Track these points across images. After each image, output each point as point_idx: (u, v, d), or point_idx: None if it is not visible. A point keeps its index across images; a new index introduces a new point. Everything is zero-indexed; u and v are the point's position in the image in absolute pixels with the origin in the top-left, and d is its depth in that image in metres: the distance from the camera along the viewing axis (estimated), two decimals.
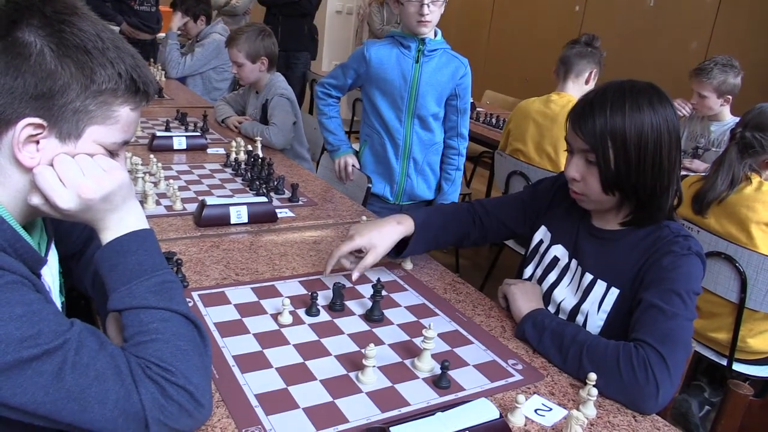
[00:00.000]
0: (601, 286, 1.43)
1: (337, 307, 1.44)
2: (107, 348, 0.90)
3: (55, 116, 0.91)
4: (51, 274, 1.06)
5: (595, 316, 1.43)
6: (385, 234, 1.55)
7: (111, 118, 0.96)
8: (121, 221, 1.00)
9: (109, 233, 1.00)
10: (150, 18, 5.31)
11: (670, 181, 1.37)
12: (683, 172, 3.32)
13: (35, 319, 0.84)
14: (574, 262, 1.51)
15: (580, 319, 1.45)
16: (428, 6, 2.23)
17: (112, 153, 1.00)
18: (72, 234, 1.27)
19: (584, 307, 1.45)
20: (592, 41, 3.00)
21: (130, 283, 0.97)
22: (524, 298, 1.47)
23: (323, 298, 1.47)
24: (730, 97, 3.37)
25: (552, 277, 1.55)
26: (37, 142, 0.92)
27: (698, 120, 3.58)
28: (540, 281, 1.57)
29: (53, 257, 1.10)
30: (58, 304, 1.08)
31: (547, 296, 1.53)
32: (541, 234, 1.61)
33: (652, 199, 1.37)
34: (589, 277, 1.45)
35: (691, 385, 2.49)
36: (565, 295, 1.51)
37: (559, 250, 1.55)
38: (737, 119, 3.38)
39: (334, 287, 1.45)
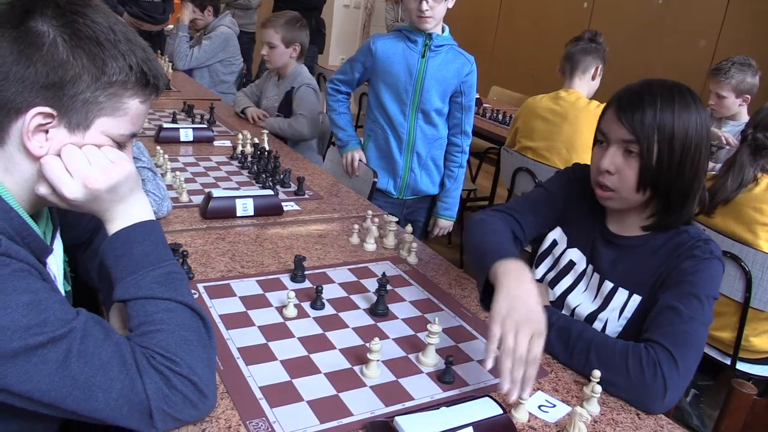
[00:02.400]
0: (622, 294, 1.41)
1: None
2: (112, 337, 0.90)
3: (65, 106, 0.91)
4: (56, 263, 1.07)
5: (615, 323, 1.41)
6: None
7: (120, 110, 0.96)
8: (127, 212, 1.01)
9: (115, 224, 1.00)
10: (154, 9, 5.30)
11: (700, 185, 1.35)
12: None
13: (41, 307, 0.84)
14: (590, 268, 1.49)
15: (597, 325, 1.43)
16: (426, 1, 2.23)
17: (120, 145, 1.00)
18: (79, 224, 1.27)
19: (603, 314, 1.43)
20: (595, 37, 2.99)
21: (136, 273, 0.97)
22: None
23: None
24: (749, 96, 3.34)
25: (567, 281, 1.53)
26: (47, 132, 0.92)
27: (715, 120, 3.56)
28: (553, 284, 1.55)
29: (58, 246, 1.10)
30: (63, 293, 1.09)
31: (560, 300, 1.51)
32: (556, 235, 1.58)
33: (683, 201, 1.35)
34: (609, 285, 1.43)
35: None
36: (580, 301, 1.48)
37: (575, 254, 1.52)
38: None
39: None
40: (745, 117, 3.43)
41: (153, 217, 1.04)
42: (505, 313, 1.14)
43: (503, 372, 1.09)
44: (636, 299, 1.39)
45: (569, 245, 1.54)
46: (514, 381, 1.09)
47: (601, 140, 1.41)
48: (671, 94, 1.32)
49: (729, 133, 3.39)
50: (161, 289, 0.97)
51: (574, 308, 1.49)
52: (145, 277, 0.97)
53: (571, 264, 1.53)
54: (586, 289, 1.49)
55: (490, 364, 1.12)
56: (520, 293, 1.17)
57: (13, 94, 0.89)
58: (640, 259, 1.39)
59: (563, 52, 3.08)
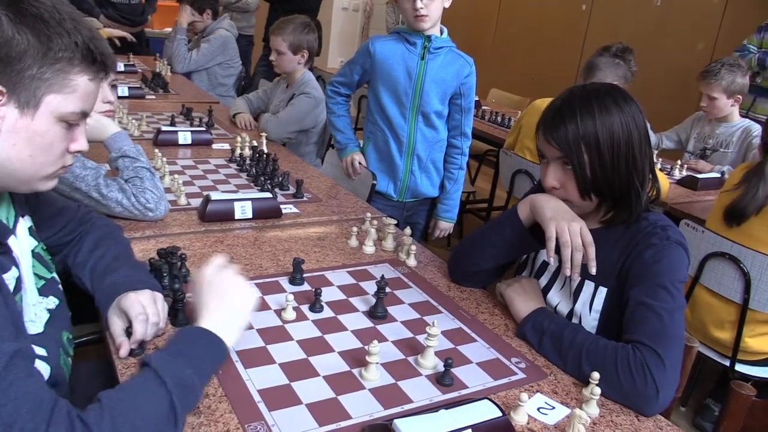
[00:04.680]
0: (589, 286, 1.44)
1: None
2: (38, 380, 0.85)
3: (12, 82, 0.93)
4: (20, 246, 1.07)
5: (588, 317, 1.43)
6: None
7: (68, 86, 0.98)
8: (223, 325, 1.12)
9: (208, 321, 1.11)
10: (130, 11, 5.24)
11: (644, 174, 1.38)
12: (689, 172, 3.33)
13: None
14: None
15: (575, 321, 1.45)
16: (420, 0, 2.23)
17: (71, 124, 1.01)
18: (56, 223, 1.30)
19: (577, 309, 1.45)
20: (624, 53, 2.92)
21: (180, 357, 1.02)
22: (521, 300, 1.47)
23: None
24: (740, 97, 3.35)
25: (543, 281, 1.55)
26: None
27: (706, 121, 3.57)
28: None
29: (23, 230, 1.11)
30: (31, 278, 1.10)
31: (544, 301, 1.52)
32: None
33: (628, 195, 1.37)
34: (576, 279, 1.45)
35: None
36: (559, 299, 1.51)
37: (550, 258, 1.54)
38: (745, 120, 3.38)
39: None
40: (737, 117, 3.45)
41: (233, 345, 1.15)
42: (552, 215, 1.37)
43: (565, 260, 1.32)
44: (603, 291, 1.42)
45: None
46: (574, 265, 1.32)
47: (542, 158, 1.45)
48: (589, 102, 1.35)
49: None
50: (176, 387, 0.96)
51: (555, 307, 1.51)
52: (179, 367, 1.00)
53: (545, 265, 1.55)
54: (562, 288, 1.51)
55: (553, 261, 1.41)
56: (555, 202, 1.41)
57: None
58: (602, 250, 1.38)
59: (588, 58, 3.03)
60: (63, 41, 0.95)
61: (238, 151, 2.54)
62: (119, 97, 3.33)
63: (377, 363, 1.20)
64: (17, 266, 1.03)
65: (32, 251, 1.13)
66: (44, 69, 0.95)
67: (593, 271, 1.33)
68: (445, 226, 2.61)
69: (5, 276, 0.97)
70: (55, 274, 1.19)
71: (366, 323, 1.40)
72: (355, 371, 1.21)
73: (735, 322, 2.29)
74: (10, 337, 0.86)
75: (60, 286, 1.20)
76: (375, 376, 1.19)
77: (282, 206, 1.99)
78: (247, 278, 1.21)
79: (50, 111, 0.97)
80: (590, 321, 1.43)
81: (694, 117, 3.70)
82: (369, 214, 1.90)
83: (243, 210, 1.89)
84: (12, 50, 0.92)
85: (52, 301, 1.13)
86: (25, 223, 1.12)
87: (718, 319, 2.34)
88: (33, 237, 1.15)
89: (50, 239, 1.28)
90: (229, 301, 1.16)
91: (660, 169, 3.33)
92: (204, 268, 1.20)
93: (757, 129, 3.33)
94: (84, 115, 1.03)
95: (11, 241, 1.03)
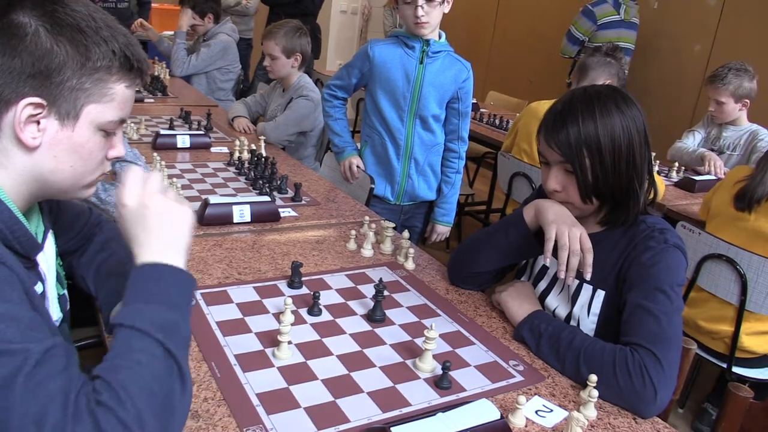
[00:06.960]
0: (587, 289, 1.44)
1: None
2: (70, 370, 0.82)
3: (53, 95, 0.93)
4: (47, 262, 1.07)
5: (586, 320, 1.44)
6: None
7: (107, 95, 0.98)
8: (170, 253, 0.96)
9: (147, 255, 0.95)
10: (117, 14, 5.19)
11: (644, 177, 1.39)
12: (687, 174, 3.34)
13: (6, 317, 0.80)
14: None
15: (572, 324, 1.45)
16: (422, 7, 2.23)
17: (109, 132, 1.02)
18: (71, 229, 1.28)
19: (575, 312, 1.46)
20: (614, 51, 2.95)
21: (146, 303, 0.90)
22: (517, 303, 1.47)
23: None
24: (747, 101, 3.35)
25: (542, 285, 1.55)
26: (38, 123, 0.94)
27: (716, 124, 3.57)
28: None
29: (50, 246, 1.11)
30: (54, 294, 1.09)
31: (540, 305, 1.53)
32: None
33: (627, 198, 1.38)
34: (575, 282, 1.46)
35: None
36: (557, 303, 1.51)
37: (546, 259, 1.55)
38: (753, 125, 3.38)
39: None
40: (745, 122, 3.44)
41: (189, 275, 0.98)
42: (554, 218, 1.39)
43: (561, 262, 1.35)
44: (600, 294, 1.42)
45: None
46: (570, 269, 1.35)
47: (544, 161, 1.45)
48: (591, 105, 1.36)
49: (717, 158, 3.40)
50: (159, 332, 0.87)
51: (554, 310, 1.51)
52: (150, 311, 0.89)
53: (544, 269, 1.56)
54: (561, 292, 1.52)
55: (548, 263, 1.41)
56: (558, 207, 1.42)
57: (1, 86, 0.91)
58: (600, 253, 1.39)
59: (579, 60, 3.06)
60: (101, 50, 0.95)
61: (237, 154, 2.54)
62: None
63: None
64: (43, 282, 1.03)
65: None
66: (84, 79, 0.95)
67: (588, 276, 1.34)
68: (443, 230, 2.61)
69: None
70: (65, 291, 1.18)
71: (364, 326, 1.40)
72: (353, 374, 1.21)
73: (732, 319, 2.29)
74: (39, 338, 0.82)
75: (68, 303, 1.19)
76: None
77: (280, 210, 1.99)
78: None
79: (90, 121, 0.97)
80: (588, 324, 1.44)
81: (708, 117, 3.66)
82: (367, 218, 1.90)
83: (241, 213, 1.89)
84: (51, 62, 0.91)
85: (58, 317, 1.13)
86: (51, 238, 1.12)
87: (716, 315, 2.35)
88: (55, 253, 1.14)
89: (65, 245, 1.27)
90: (166, 225, 0.98)
91: (657, 172, 3.33)
92: (123, 190, 0.99)
93: (763, 133, 3.33)
94: (122, 122, 1.03)
95: (39, 257, 1.03)
